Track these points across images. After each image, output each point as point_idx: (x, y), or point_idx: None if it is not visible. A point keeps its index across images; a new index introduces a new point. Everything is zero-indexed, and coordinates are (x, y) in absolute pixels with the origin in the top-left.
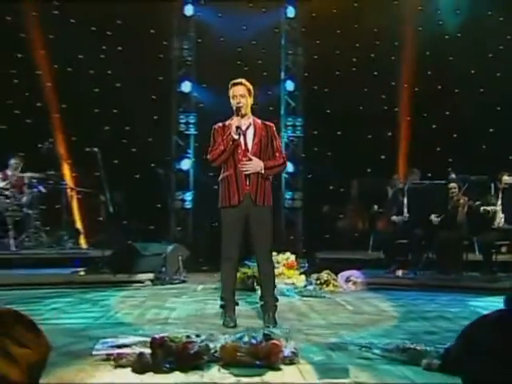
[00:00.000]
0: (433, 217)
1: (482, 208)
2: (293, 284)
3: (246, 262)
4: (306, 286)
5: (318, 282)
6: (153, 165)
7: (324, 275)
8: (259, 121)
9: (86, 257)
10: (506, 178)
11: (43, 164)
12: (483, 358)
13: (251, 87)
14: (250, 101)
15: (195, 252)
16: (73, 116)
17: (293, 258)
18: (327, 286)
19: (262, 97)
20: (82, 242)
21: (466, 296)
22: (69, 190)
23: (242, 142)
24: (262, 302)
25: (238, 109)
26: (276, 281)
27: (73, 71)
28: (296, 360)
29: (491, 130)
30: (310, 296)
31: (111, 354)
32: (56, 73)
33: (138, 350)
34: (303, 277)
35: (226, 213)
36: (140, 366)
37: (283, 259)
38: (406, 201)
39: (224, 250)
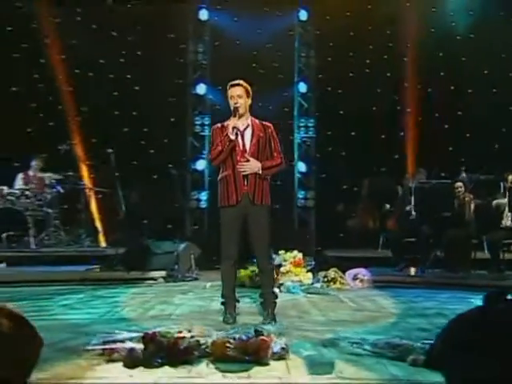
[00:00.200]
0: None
1: (494, 202)
2: (299, 281)
3: (254, 260)
4: (312, 284)
5: (325, 279)
6: (170, 165)
7: (331, 273)
8: (257, 121)
9: (103, 255)
10: (511, 178)
11: (63, 165)
12: (463, 355)
13: (249, 88)
14: (249, 101)
15: (209, 250)
16: (93, 118)
17: (300, 255)
18: (334, 283)
19: (277, 98)
20: (101, 240)
21: (469, 294)
22: (87, 190)
23: (240, 143)
24: (262, 299)
25: (236, 109)
26: (283, 278)
27: (94, 75)
28: (286, 355)
29: (504, 129)
30: (315, 293)
31: (105, 350)
32: (77, 77)
33: (130, 345)
34: (310, 274)
35: (225, 212)
36: (131, 360)
37: (290, 257)
38: (413, 200)
39: (223, 249)
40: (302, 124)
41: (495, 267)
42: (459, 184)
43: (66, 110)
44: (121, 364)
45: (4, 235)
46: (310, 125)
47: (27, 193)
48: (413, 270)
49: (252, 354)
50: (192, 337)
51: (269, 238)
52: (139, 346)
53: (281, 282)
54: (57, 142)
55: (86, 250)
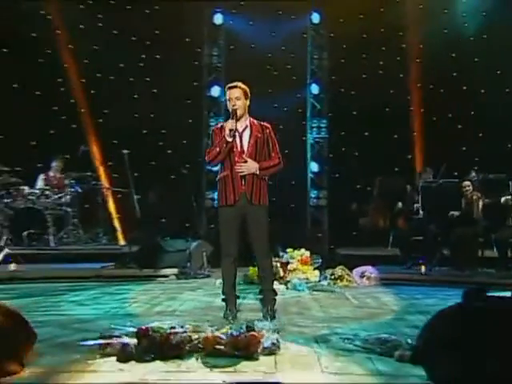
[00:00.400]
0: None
1: (503, 198)
2: (306, 279)
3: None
4: (319, 281)
5: (332, 277)
6: (185, 165)
7: (338, 270)
8: (256, 122)
9: (120, 252)
10: None
11: (82, 166)
12: (442, 350)
13: (247, 89)
14: (247, 103)
15: None
16: (113, 121)
17: (307, 253)
18: (341, 281)
19: (290, 100)
20: (119, 238)
21: None
22: (104, 190)
23: (238, 144)
24: (262, 296)
25: (234, 111)
26: (290, 276)
27: (114, 79)
28: (276, 351)
29: None
30: (321, 290)
31: (100, 344)
32: (99, 81)
33: (124, 340)
34: (317, 272)
35: (223, 212)
36: (124, 355)
37: (298, 255)
38: (420, 198)
39: (223, 247)
40: (314, 125)
41: (503, 265)
42: (467, 183)
43: (87, 112)
44: (114, 358)
45: (25, 233)
46: (322, 125)
47: (47, 192)
48: (423, 268)
49: (242, 349)
50: (184, 332)
51: (268, 237)
52: (133, 341)
53: (288, 279)
54: (79, 144)
55: (103, 247)
